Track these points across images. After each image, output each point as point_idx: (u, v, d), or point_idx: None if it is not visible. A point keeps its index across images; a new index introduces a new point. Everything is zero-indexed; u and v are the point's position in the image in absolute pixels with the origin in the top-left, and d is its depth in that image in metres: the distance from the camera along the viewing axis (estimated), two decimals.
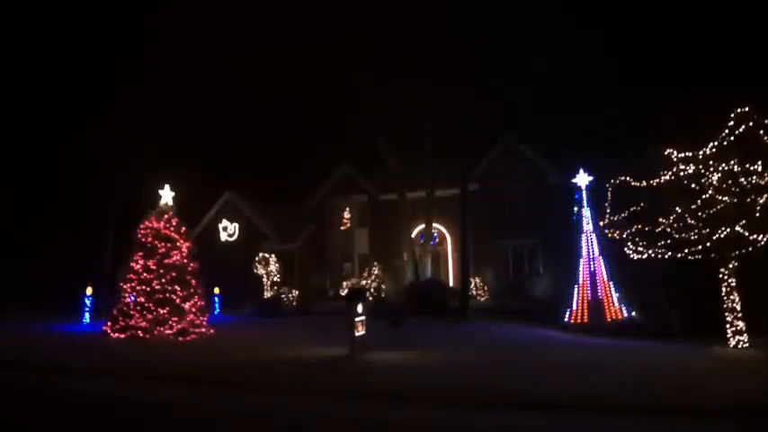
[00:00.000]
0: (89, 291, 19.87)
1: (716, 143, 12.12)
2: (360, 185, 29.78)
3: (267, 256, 26.87)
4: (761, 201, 11.56)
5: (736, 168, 11.76)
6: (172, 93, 29.10)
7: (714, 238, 12.02)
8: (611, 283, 16.88)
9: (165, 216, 16.53)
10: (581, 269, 17.15)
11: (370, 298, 22.21)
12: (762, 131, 11.60)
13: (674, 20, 24.56)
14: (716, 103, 12.79)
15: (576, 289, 17.05)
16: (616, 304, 16.70)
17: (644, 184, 12.98)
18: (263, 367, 10.54)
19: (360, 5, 22.90)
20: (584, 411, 7.32)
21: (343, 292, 25.78)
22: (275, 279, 26.57)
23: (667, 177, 12.54)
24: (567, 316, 16.99)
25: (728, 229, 11.82)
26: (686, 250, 12.63)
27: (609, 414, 7.24)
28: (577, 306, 16.89)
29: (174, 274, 15.84)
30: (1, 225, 28.13)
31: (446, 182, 24.99)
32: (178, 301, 15.57)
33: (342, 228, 30.23)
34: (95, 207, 28.76)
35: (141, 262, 15.84)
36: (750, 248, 12.04)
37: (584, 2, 25.25)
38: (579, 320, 16.68)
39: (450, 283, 26.48)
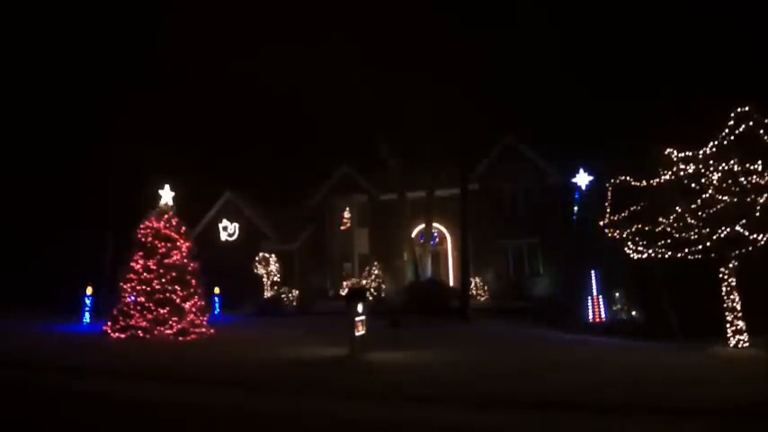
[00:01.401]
0: (89, 290, 19.87)
1: (716, 143, 12.12)
2: (360, 185, 29.77)
3: (267, 255, 26.88)
4: (761, 200, 11.55)
5: (736, 168, 11.76)
6: (172, 92, 29.10)
7: (714, 237, 12.02)
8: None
9: (165, 216, 16.53)
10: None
11: (370, 298, 22.21)
12: (762, 131, 11.60)
13: (676, 19, 24.55)
14: (716, 103, 12.78)
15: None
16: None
17: (644, 183, 12.97)
18: (263, 367, 10.55)
19: (360, 5, 22.90)
20: (585, 411, 7.32)
21: (344, 292, 25.78)
22: (275, 279, 26.58)
23: (667, 177, 12.54)
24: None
25: (728, 229, 11.81)
26: (686, 250, 12.63)
27: (608, 413, 7.24)
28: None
29: (174, 273, 15.84)
30: (1, 224, 28.15)
31: (446, 182, 24.98)
32: (178, 300, 15.57)
33: (342, 228, 30.22)
34: (95, 207, 28.74)
35: (141, 262, 15.83)
36: (750, 248, 12.04)
37: (585, 3, 25.25)
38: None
39: (451, 283, 26.48)
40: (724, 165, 11.86)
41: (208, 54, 28.13)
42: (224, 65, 27.23)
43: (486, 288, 25.76)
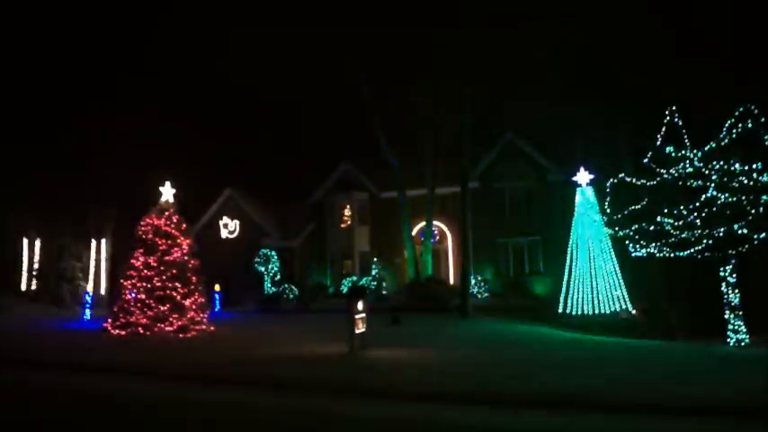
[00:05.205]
0: (89, 288, 19.92)
1: (716, 142, 12.13)
2: (361, 183, 29.78)
3: (268, 253, 26.90)
4: (761, 200, 11.57)
5: (736, 167, 11.77)
6: (173, 91, 29.13)
7: (714, 236, 12.03)
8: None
9: (166, 213, 16.54)
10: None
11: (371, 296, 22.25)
12: (762, 131, 11.61)
13: (676, 18, 24.53)
14: (717, 102, 12.79)
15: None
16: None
17: (644, 183, 12.98)
18: (263, 364, 10.57)
19: (360, 2, 22.91)
20: (584, 410, 7.34)
21: (344, 290, 25.80)
22: (276, 276, 26.61)
23: (667, 176, 12.55)
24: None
25: (728, 228, 11.83)
26: (686, 250, 12.64)
27: (608, 412, 7.25)
28: None
29: (174, 271, 15.86)
30: (2, 223, 28.19)
31: (447, 180, 24.98)
32: (179, 298, 15.59)
33: (342, 225, 30.21)
34: (95, 206, 28.74)
35: (142, 259, 15.85)
36: (750, 247, 12.06)
37: (586, 3, 25.20)
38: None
39: (451, 281, 26.50)
40: (724, 164, 11.88)
41: (210, 51, 28.16)
42: (226, 62, 27.24)
43: (486, 286, 25.77)
